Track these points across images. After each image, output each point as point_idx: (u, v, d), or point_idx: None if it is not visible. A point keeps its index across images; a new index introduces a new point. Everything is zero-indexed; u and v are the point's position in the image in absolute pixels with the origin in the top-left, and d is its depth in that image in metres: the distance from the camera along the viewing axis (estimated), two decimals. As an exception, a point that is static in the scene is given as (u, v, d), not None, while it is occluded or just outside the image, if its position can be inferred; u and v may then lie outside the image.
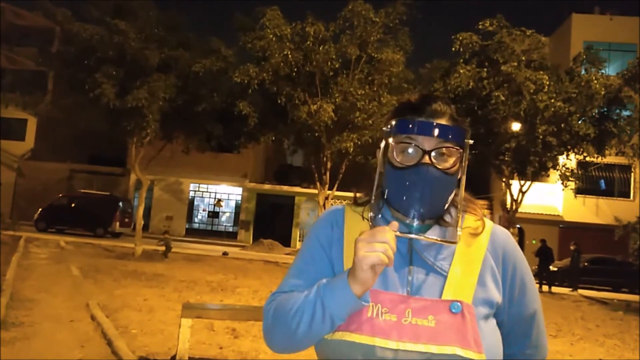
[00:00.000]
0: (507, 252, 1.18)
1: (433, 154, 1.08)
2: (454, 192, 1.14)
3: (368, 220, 1.16)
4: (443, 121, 1.11)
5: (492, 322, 1.12)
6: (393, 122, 1.13)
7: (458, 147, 1.11)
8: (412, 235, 1.08)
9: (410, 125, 1.10)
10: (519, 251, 1.21)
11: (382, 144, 1.14)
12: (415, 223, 1.09)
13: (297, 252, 1.28)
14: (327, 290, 1.06)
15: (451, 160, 1.10)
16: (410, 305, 1.06)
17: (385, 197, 1.16)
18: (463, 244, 1.14)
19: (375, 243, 1.00)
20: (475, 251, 1.14)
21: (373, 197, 1.15)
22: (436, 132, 1.08)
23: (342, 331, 1.06)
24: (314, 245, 1.21)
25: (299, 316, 1.07)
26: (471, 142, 1.13)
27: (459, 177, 1.14)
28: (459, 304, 1.06)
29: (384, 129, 1.15)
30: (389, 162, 1.13)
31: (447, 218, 1.16)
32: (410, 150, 1.10)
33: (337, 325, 1.06)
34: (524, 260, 1.21)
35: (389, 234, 1.01)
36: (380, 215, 1.17)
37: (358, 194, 1.29)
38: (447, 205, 1.14)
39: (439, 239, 1.10)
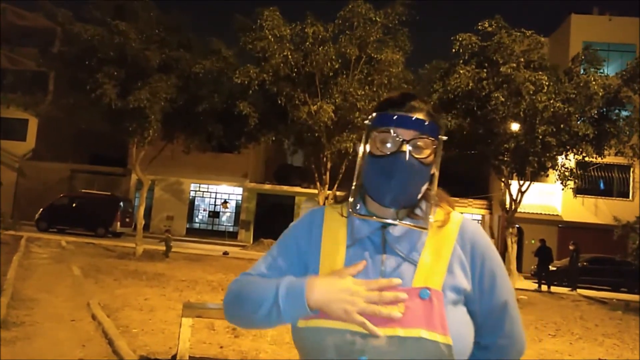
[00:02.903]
0: (475, 243, 1.23)
1: (410, 144, 1.18)
2: (426, 184, 1.22)
3: (345, 216, 1.27)
4: (421, 116, 1.21)
5: (462, 309, 1.17)
6: (375, 115, 1.24)
7: (433, 139, 1.20)
8: (389, 220, 1.19)
9: (391, 118, 1.20)
10: (489, 243, 1.26)
11: (364, 136, 1.24)
12: (391, 211, 1.21)
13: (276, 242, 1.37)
14: (286, 298, 1.13)
15: (426, 152, 1.19)
16: None
17: (364, 187, 1.25)
18: (432, 235, 1.21)
19: (356, 296, 1.08)
20: (444, 242, 1.21)
21: (354, 183, 1.24)
22: (413, 124, 1.18)
23: (317, 318, 1.12)
24: (290, 241, 1.32)
25: (256, 307, 1.17)
26: (445, 138, 1.22)
27: (432, 171, 1.23)
28: (427, 290, 1.11)
29: (366, 122, 1.25)
30: (369, 152, 1.22)
31: (418, 211, 1.25)
32: (389, 139, 1.19)
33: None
34: (494, 251, 1.25)
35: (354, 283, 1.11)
36: (358, 206, 1.27)
37: (338, 193, 1.41)
38: (420, 196, 1.22)
39: (411, 224, 1.19)
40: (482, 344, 1.22)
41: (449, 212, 1.26)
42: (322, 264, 1.22)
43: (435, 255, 1.18)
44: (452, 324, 1.10)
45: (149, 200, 24.45)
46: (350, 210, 1.23)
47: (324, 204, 16.59)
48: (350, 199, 1.24)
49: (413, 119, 1.19)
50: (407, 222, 1.20)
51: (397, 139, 1.18)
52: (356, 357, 1.08)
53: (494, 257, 1.24)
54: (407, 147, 1.17)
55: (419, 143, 1.18)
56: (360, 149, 1.25)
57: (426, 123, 1.20)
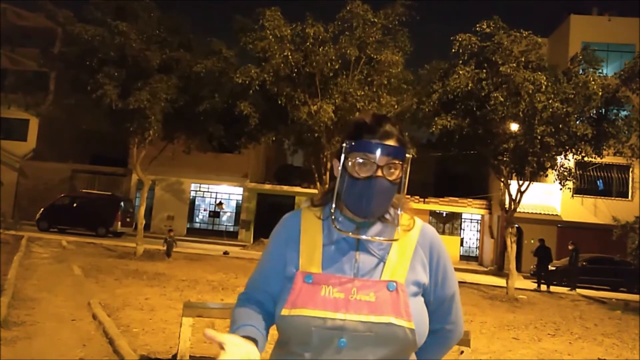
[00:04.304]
0: (433, 245, 1.46)
1: (383, 168, 1.36)
2: (395, 195, 1.42)
3: (321, 218, 1.46)
4: (392, 141, 1.38)
5: (421, 299, 1.39)
6: (353, 142, 1.39)
7: (402, 162, 1.39)
8: (364, 237, 1.38)
9: (366, 145, 1.37)
10: (442, 245, 1.49)
11: (342, 157, 1.40)
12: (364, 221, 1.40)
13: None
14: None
15: (397, 173, 1.39)
16: (355, 285, 1.33)
17: (342, 199, 1.43)
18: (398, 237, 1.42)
19: None
20: (407, 243, 1.43)
21: (334, 200, 1.42)
22: (386, 151, 1.36)
23: (300, 308, 1.31)
24: (272, 248, 1.49)
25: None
26: (410, 156, 1.42)
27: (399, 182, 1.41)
28: (394, 283, 1.34)
29: (343, 145, 1.40)
30: (347, 171, 1.40)
31: (387, 216, 1.45)
32: (367, 164, 1.37)
33: None
34: (446, 251, 1.50)
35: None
36: (336, 214, 1.44)
37: (315, 194, 1.55)
38: (389, 206, 1.43)
39: (383, 240, 1.40)
40: (431, 330, 1.43)
41: (413, 217, 1.47)
42: (301, 263, 1.39)
43: (401, 254, 1.40)
44: (414, 312, 1.32)
45: (149, 200, 24.50)
46: (335, 227, 1.39)
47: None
48: (333, 218, 1.41)
49: (386, 146, 1.36)
50: (379, 238, 1.39)
51: (373, 164, 1.36)
52: (336, 340, 1.27)
53: (446, 256, 1.49)
54: (381, 172, 1.36)
55: (390, 166, 1.37)
56: (339, 167, 1.41)
57: (396, 149, 1.38)
